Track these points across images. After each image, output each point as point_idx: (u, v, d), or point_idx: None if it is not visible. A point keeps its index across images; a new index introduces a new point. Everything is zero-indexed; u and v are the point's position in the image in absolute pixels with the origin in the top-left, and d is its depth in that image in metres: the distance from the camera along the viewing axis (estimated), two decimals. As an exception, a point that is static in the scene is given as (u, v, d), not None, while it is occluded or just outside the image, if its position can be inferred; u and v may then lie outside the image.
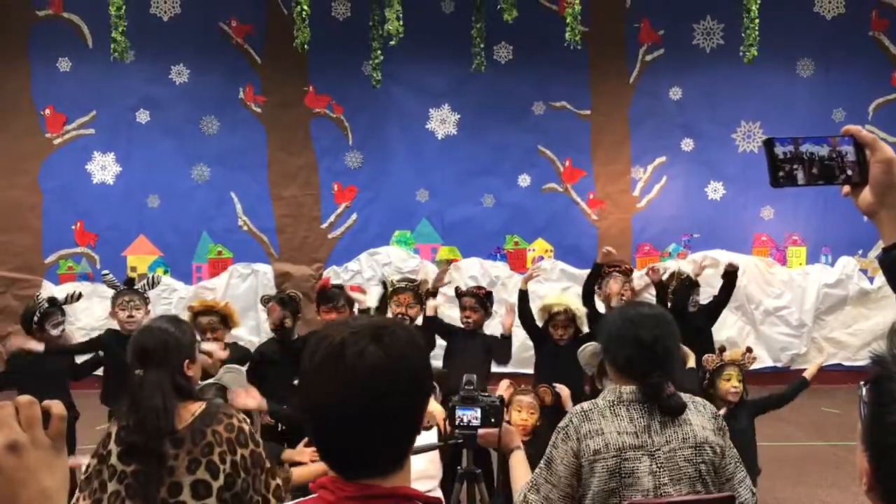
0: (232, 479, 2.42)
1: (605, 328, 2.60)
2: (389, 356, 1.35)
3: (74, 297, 5.00)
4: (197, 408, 2.49)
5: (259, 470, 2.47)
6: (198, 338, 2.98)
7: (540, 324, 4.95)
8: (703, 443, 2.41)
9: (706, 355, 4.19)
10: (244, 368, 3.87)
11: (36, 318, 4.66)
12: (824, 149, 1.26)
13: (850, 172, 1.25)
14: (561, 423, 2.48)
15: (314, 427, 1.40)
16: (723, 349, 4.21)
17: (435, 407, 3.29)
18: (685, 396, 2.49)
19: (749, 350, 4.14)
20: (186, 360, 2.60)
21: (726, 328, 8.39)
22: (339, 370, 1.34)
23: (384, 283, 5.14)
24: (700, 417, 2.48)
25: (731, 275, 5.38)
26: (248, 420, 2.63)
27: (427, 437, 3.17)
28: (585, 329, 4.86)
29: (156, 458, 2.39)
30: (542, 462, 2.46)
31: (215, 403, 2.63)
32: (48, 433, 0.91)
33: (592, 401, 2.50)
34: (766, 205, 8.88)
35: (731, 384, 4.03)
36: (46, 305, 4.75)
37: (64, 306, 4.89)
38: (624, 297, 5.09)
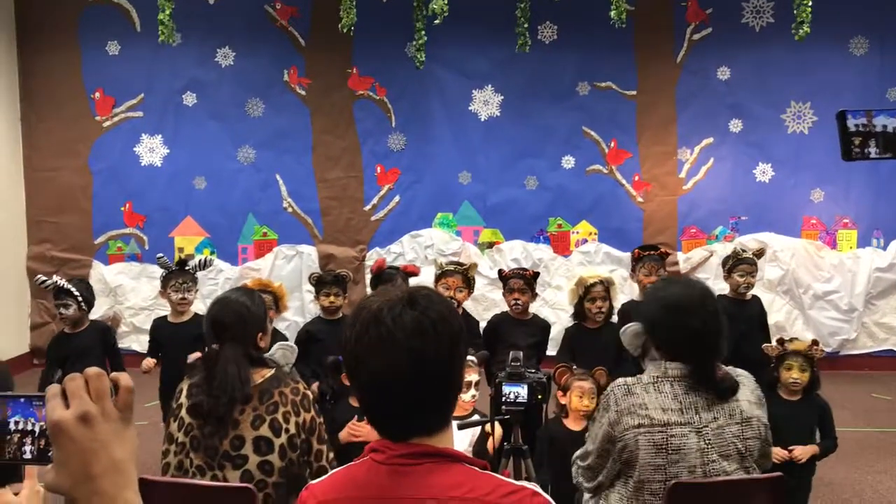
0: (295, 440, 2.53)
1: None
2: (426, 318, 1.39)
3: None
4: (267, 372, 2.65)
5: (313, 437, 2.58)
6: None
7: (574, 300, 4.72)
8: (751, 418, 2.38)
9: (765, 344, 4.09)
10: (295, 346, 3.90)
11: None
12: None
13: None
14: (603, 395, 2.49)
15: (361, 394, 1.45)
16: (781, 340, 4.08)
17: None
18: (730, 370, 2.44)
19: (815, 343, 3.97)
20: (259, 333, 2.72)
21: (774, 312, 8.24)
22: (380, 335, 1.38)
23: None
24: (745, 391, 2.43)
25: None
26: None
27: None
28: (617, 303, 4.73)
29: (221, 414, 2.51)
30: (589, 432, 2.52)
31: (284, 371, 2.75)
32: (116, 405, 0.92)
33: (637, 376, 2.46)
34: (815, 187, 8.68)
35: (791, 374, 3.89)
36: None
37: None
38: None
